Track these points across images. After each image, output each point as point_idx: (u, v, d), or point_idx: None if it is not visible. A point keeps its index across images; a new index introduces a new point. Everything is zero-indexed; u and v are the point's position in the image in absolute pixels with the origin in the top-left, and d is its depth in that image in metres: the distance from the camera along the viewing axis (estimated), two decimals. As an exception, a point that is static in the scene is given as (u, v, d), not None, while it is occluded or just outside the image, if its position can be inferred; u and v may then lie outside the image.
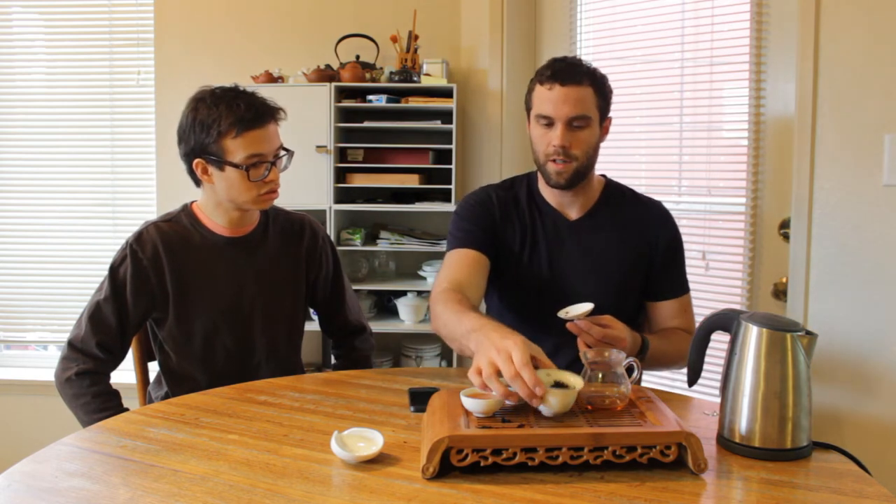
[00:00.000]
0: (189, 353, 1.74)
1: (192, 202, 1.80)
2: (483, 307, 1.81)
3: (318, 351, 2.09)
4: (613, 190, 1.78)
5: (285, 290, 1.81)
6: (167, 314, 1.71)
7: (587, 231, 1.73)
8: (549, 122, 1.61)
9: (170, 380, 1.78)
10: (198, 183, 1.72)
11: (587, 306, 1.45)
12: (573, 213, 1.74)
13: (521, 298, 1.76)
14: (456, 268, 1.64)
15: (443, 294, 1.52)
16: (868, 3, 1.85)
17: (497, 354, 1.16)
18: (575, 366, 1.42)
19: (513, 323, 1.77)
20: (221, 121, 1.58)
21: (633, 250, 1.72)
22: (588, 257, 1.71)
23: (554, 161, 1.62)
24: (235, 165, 1.61)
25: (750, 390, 1.21)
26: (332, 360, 2.04)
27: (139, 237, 1.71)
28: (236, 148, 1.60)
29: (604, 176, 1.81)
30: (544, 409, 1.17)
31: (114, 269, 1.70)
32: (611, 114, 1.70)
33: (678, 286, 1.76)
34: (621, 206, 1.75)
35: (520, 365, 1.13)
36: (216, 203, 1.72)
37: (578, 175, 1.65)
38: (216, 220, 1.75)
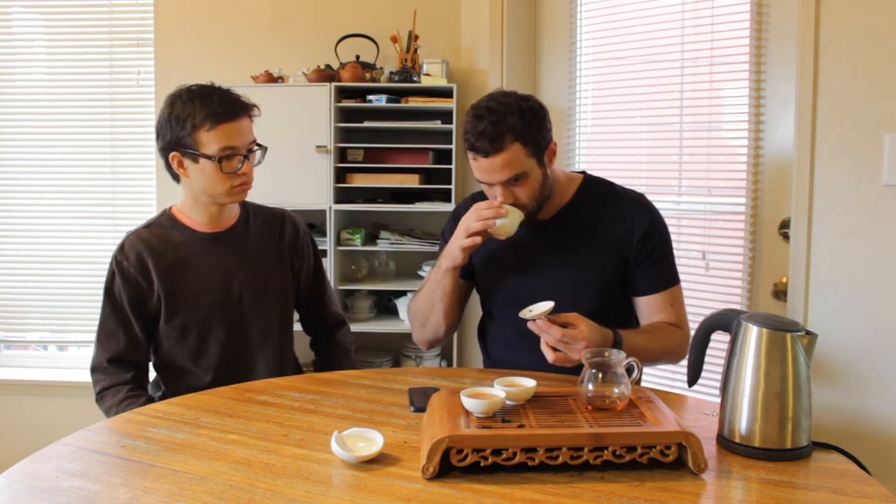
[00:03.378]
0: (184, 348, 1.76)
1: (171, 207, 1.82)
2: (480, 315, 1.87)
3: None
4: (590, 186, 1.75)
5: (273, 277, 1.83)
6: (160, 314, 1.74)
7: (556, 230, 1.71)
8: (489, 184, 1.61)
9: (166, 377, 1.80)
10: (176, 178, 1.75)
11: (547, 305, 1.44)
12: (543, 214, 1.72)
13: (499, 302, 1.76)
14: None
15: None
16: (868, 3, 1.85)
17: (464, 223, 1.59)
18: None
19: (496, 328, 1.78)
20: (196, 114, 1.64)
21: (606, 245, 1.68)
22: (558, 256, 1.70)
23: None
24: (209, 157, 1.65)
25: (750, 390, 1.21)
26: (314, 356, 2.03)
27: (122, 248, 1.74)
28: (210, 140, 1.64)
29: (583, 173, 1.79)
30: (499, 222, 1.54)
31: (108, 287, 1.74)
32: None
33: (662, 280, 1.69)
34: (596, 201, 1.72)
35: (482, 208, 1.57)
36: (194, 199, 1.75)
37: (535, 212, 1.64)
38: (197, 218, 1.77)
